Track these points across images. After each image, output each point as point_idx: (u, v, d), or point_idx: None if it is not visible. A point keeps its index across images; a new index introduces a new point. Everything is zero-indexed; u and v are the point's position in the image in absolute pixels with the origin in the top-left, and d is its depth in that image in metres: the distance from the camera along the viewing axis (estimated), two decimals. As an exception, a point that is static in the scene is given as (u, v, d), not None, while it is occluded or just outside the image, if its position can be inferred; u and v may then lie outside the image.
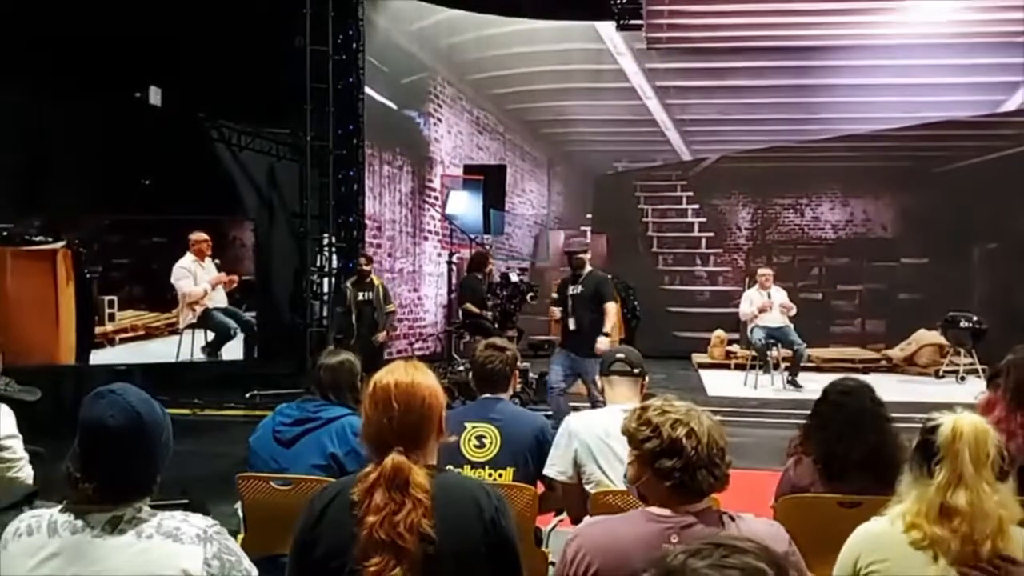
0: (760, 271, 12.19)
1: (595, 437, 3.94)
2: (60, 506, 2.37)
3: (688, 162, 16.66)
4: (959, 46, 14.67)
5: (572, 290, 8.45)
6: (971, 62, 14.82)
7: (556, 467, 4.02)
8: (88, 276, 7.26)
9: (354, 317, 10.37)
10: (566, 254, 8.85)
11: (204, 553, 2.30)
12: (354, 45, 12.96)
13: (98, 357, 7.37)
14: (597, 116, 16.46)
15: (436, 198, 15.10)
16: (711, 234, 16.74)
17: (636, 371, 4.13)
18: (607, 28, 15.70)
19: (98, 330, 7.35)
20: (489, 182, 14.07)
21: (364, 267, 10.62)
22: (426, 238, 15.06)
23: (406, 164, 14.49)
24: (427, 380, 2.58)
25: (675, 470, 2.43)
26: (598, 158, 16.97)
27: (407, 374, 2.57)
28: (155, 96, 10.90)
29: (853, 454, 3.58)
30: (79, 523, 2.32)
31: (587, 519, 3.05)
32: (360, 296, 10.42)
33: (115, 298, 7.42)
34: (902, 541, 2.62)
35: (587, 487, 3.93)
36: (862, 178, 16.16)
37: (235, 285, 8.01)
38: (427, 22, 14.90)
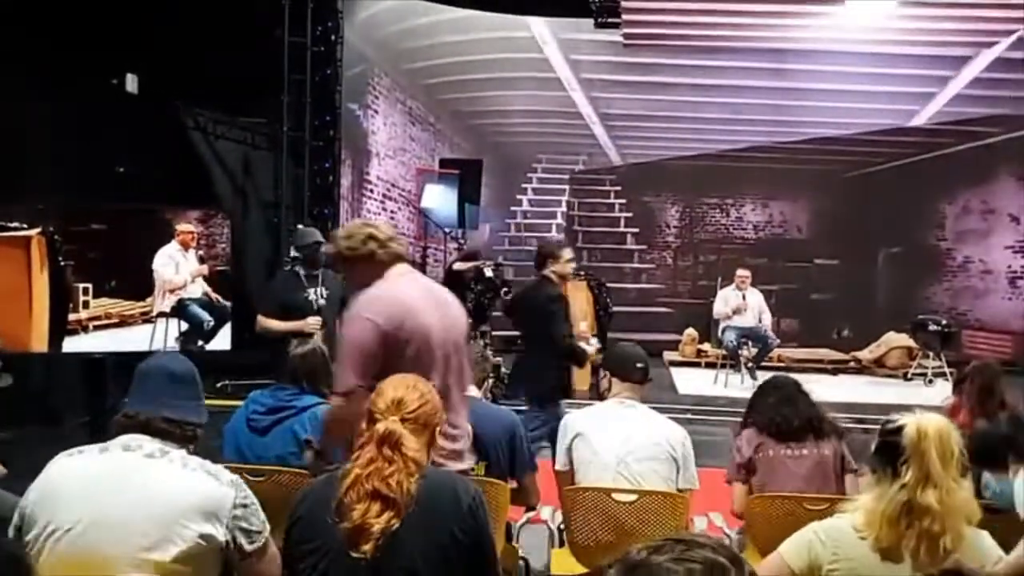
0: (738, 271, 12.19)
1: (589, 415, 4.38)
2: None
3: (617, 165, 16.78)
4: (877, 55, 14.99)
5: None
6: (889, 72, 15.18)
7: (559, 461, 4.38)
8: (62, 263, 7.20)
9: None
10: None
11: (235, 496, 2.68)
12: (332, 37, 12.94)
13: (71, 345, 7.29)
14: (521, 107, 16.41)
15: (372, 191, 15.01)
16: (636, 229, 16.91)
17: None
18: (536, 21, 15.66)
19: (72, 317, 7.27)
20: (465, 176, 14.04)
21: None
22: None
23: (348, 157, 14.37)
24: None
25: None
26: (524, 150, 16.88)
27: None
28: (132, 83, 10.80)
29: (793, 420, 4.31)
30: (132, 443, 2.70)
31: None
32: None
33: (89, 285, 7.37)
34: (863, 543, 2.66)
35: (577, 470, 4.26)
36: (781, 180, 16.55)
37: (204, 273, 7.99)
38: (373, 10, 14.75)
